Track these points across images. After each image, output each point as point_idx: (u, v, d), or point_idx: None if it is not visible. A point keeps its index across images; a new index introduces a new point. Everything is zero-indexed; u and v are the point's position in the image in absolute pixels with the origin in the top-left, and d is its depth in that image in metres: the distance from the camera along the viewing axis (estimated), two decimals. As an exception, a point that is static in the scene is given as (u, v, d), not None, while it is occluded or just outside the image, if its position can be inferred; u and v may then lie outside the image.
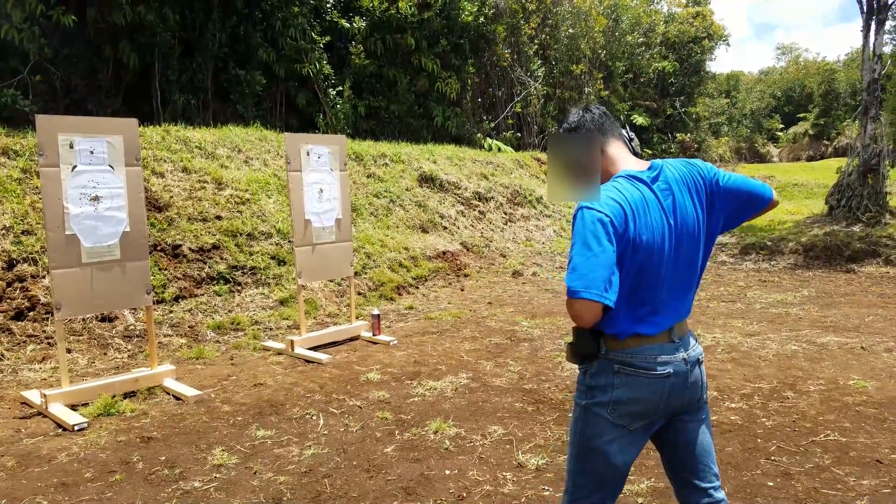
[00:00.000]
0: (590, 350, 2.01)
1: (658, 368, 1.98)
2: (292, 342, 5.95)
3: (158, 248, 7.13)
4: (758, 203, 2.13)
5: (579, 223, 1.90)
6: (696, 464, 2.13)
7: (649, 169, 2.05)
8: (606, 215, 1.87)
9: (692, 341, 2.10)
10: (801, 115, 45.00)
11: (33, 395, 4.70)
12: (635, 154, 2.16)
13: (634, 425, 2.01)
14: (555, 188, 1.99)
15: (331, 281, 7.99)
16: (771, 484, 3.36)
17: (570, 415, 2.16)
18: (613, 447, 2.00)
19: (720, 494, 2.15)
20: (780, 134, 46.96)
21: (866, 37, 12.01)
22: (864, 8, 12.06)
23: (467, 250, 10.94)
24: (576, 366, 2.11)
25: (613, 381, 1.99)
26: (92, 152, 4.70)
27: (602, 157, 2.08)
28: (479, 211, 12.72)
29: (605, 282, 1.83)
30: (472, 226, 12.09)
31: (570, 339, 2.11)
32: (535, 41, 21.31)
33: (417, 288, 8.91)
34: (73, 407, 4.55)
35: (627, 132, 2.19)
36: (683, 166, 2.09)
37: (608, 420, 2.00)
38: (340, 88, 15.14)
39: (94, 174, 4.71)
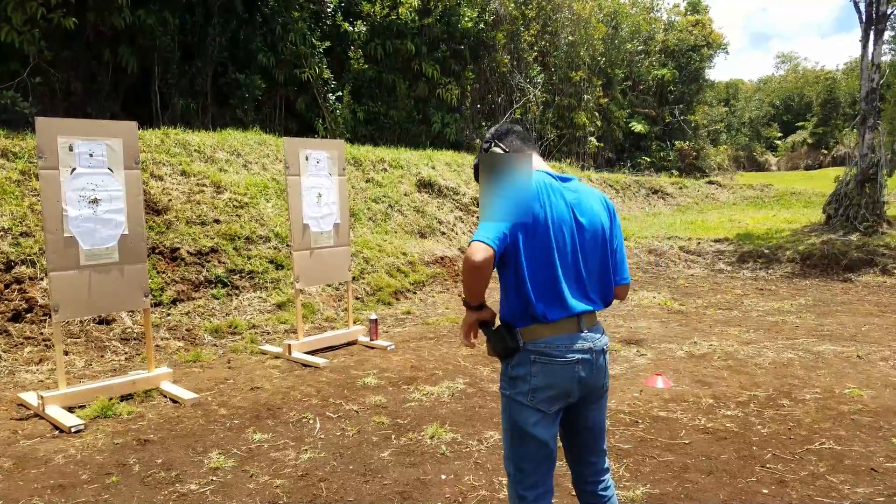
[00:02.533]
0: (510, 345, 2.20)
1: (568, 356, 2.18)
2: (289, 346, 5.95)
3: (157, 251, 7.13)
4: (617, 279, 2.38)
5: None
6: (592, 444, 2.40)
7: (561, 175, 2.33)
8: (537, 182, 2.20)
9: (598, 334, 2.29)
10: (800, 124, 45.15)
11: (30, 397, 4.70)
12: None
13: (552, 409, 2.21)
14: (488, 206, 2.16)
15: (329, 285, 8.00)
16: (766, 491, 3.37)
17: (501, 404, 2.33)
18: (539, 429, 2.20)
19: (606, 464, 2.46)
20: (778, 142, 47.10)
21: (865, 46, 12.06)
22: (863, 18, 12.12)
23: (465, 256, 10.95)
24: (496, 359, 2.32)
25: (531, 370, 2.18)
26: (91, 155, 4.71)
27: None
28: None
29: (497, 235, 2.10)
30: (471, 231, 12.11)
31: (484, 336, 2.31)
32: (535, 48, 21.39)
33: (415, 293, 8.92)
34: (71, 409, 4.55)
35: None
36: (593, 190, 2.38)
37: (528, 406, 2.20)
38: (340, 93, 15.18)
39: (93, 177, 4.72)
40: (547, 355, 2.17)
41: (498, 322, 2.28)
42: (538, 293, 2.16)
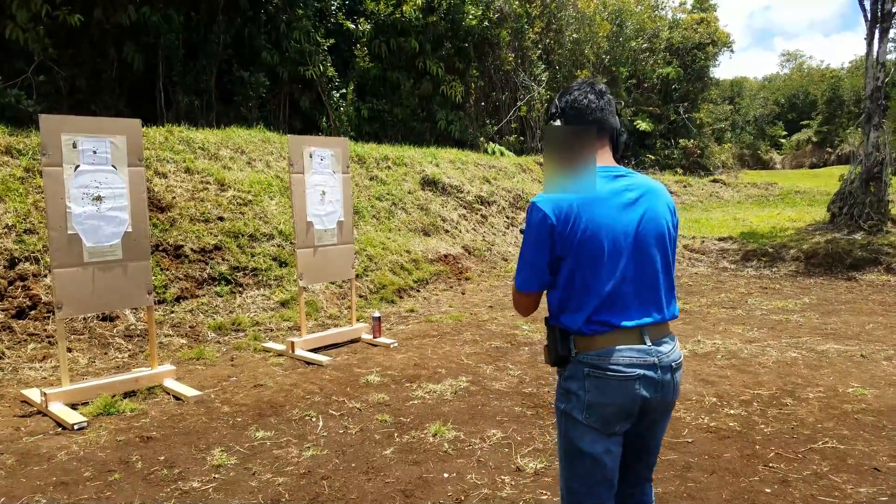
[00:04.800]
0: (561, 352, 2.05)
1: (626, 370, 1.98)
2: (293, 344, 5.96)
3: (160, 248, 7.14)
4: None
5: (527, 220, 2.05)
6: (647, 459, 2.24)
7: (616, 168, 2.11)
8: (547, 217, 1.97)
9: (668, 347, 2.07)
10: (805, 122, 44.97)
11: (33, 394, 4.71)
12: (617, 150, 2.19)
13: (609, 430, 2.02)
14: (551, 179, 2.04)
15: (332, 283, 8.00)
16: (769, 491, 3.36)
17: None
18: (596, 448, 2.02)
19: (650, 474, 2.32)
20: (783, 141, 46.95)
21: (870, 45, 12.00)
22: (868, 16, 12.06)
23: (469, 254, 10.95)
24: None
25: (584, 385, 2.01)
26: (95, 152, 4.72)
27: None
28: (481, 215, 12.73)
29: (536, 276, 2.06)
30: (474, 229, 12.10)
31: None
32: (539, 45, 21.35)
33: (418, 291, 8.92)
34: (74, 406, 4.57)
35: (620, 124, 2.20)
36: (656, 185, 2.16)
37: (583, 423, 2.02)
38: (344, 91, 15.18)
39: (96, 174, 4.73)
40: (601, 369, 1.98)
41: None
42: (590, 302, 1.99)
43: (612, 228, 1.98)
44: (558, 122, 2.14)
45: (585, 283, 1.99)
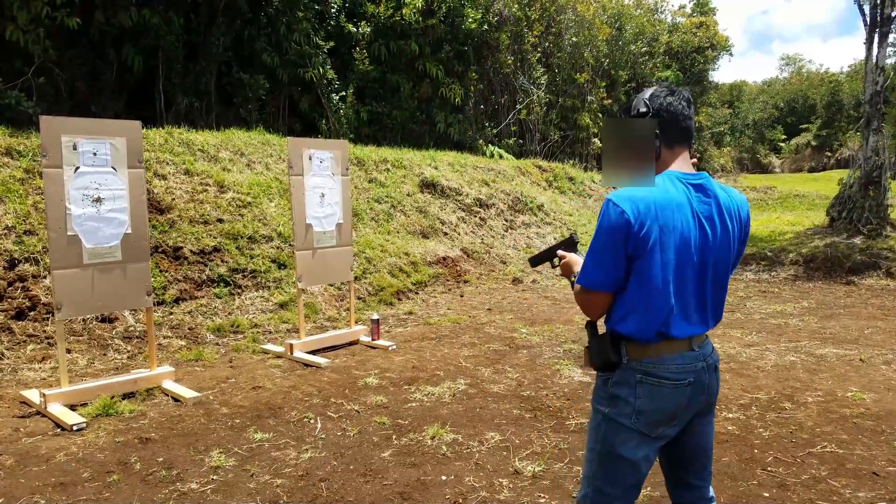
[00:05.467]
0: (611, 358, 2.02)
1: (680, 378, 2.00)
2: (291, 346, 5.96)
3: (159, 249, 7.15)
4: None
5: (601, 216, 1.96)
6: (695, 463, 2.19)
7: (697, 176, 2.06)
8: (623, 213, 1.91)
9: (710, 348, 2.11)
10: (804, 126, 45.07)
11: (32, 395, 4.71)
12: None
13: (656, 432, 2.03)
14: (609, 171, 2.02)
15: (331, 285, 8.00)
16: (767, 495, 3.36)
17: (589, 421, 2.17)
18: (638, 453, 2.02)
19: (711, 493, 2.23)
20: (782, 144, 47.03)
21: (869, 49, 12.03)
22: (868, 20, 12.09)
23: (467, 256, 10.96)
24: (594, 371, 2.14)
25: (636, 391, 2.00)
26: (95, 154, 4.72)
27: (668, 151, 2.08)
28: (479, 217, 12.74)
29: (609, 274, 1.96)
30: (473, 232, 12.11)
31: (587, 342, 2.14)
32: (539, 49, 21.37)
33: (417, 293, 8.92)
34: (72, 407, 4.56)
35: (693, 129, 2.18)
36: (734, 195, 2.12)
37: (631, 428, 2.01)
38: (343, 93, 15.19)
39: (96, 176, 4.74)
40: (655, 376, 1.99)
41: (603, 328, 2.10)
42: (651, 308, 1.97)
43: (683, 238, 1.96)
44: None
45: (649, 291, 1.96)
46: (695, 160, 2.22)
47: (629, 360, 2.01)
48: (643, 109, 2.08)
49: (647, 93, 2.12)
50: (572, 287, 2.15)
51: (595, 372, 2.14)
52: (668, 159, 2.08)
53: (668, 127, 2.06)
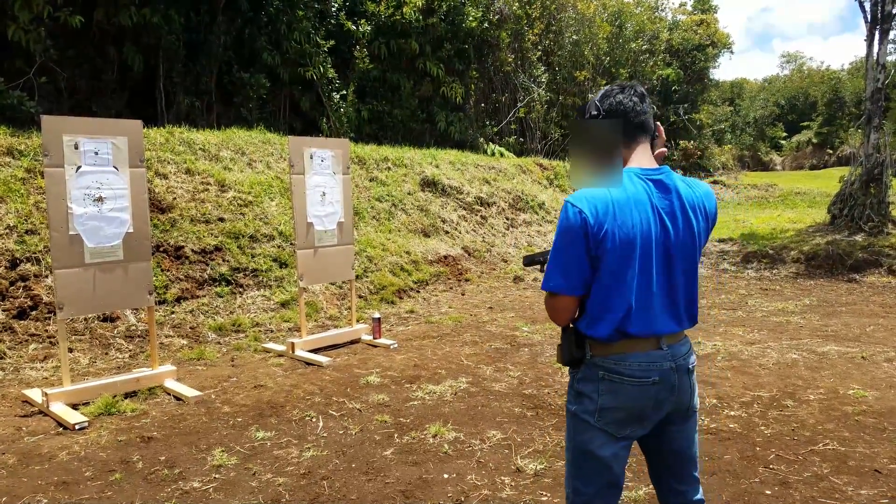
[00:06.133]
0: (575, 354, 2.03)
1: (643, 376, 1.97)
2: (293, 344, 5.96)
3: (161, 249, 7.15)
4: None
5: (560, 219, 1.95)
6: (677, 469, 2.17)
7: (657, 171, 2.04)
8: (580, 212, 1.90)
9: (685, 350, 2.08)
10: (805, 124, 45.00)
11: (35, 394, 4.71)
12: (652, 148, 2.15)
13: (621, 433, 2.01)
14: (577, 173, 2.02)
15: (332, 284, 8.00)
16: (769, 492, 3.36)
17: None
18: (605, 451, 2.01)
19: (698, 496, 2.20)
20: (783, 142, 46.98)
21: (870, 46, 12.02)
22: (869, 17, 12.08)
23: (469, 255, 10.96)
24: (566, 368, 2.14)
25: (599, 388, 1.99)
26: (96, 153, 4.72)
27: (627, 150, 2.07)
28: (480, 216, 12.74)
29: (571, 276, 1.94)
30: (474, 230, 12.11)
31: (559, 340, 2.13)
32: (539, 47, 21.36)
33: (418, 292, 8.92)
34: (75, 406, 4.57)
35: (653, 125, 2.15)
36: (697, 187, 2.09)
37: (594, 426, 2.01)
38: (344, 92, 15.18)
39: (98, 175, 4.74)
40: (617, 373, 1.97)
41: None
42: (611, 307, 1.95)
43: (644, 235, 1.94)
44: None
45: (610, 290, 1.94)
46: (663, 150, 2.20)
47: (592, 357, 2.00)
48: (594, 112, 2.08)
49: (599, 94, 2.12)
50: None
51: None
52: (626, 156, 2.06)
53: (622, 125, 2.05)
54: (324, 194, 6.28)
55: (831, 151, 41.51)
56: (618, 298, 1.94)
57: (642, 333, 1.97)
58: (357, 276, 7.91)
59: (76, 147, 4.61)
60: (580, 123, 2.09)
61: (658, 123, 2.19)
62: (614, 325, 1.96)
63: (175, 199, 7.97)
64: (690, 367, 2.08)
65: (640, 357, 1.98)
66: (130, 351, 5.98)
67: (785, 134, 47.26)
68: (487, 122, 19.25)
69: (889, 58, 12.84)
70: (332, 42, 14.82)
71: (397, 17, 15.62)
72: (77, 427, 4.23)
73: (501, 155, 17.65)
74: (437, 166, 13.43)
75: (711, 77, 33.84)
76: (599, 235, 1.89)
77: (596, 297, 1.97)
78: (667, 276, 2.00)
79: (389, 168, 12.35)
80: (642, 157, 2.07)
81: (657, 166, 2.08)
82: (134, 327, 6.30)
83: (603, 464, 2.02)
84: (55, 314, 4.93)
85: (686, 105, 30.41)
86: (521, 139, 20.56)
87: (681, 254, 2.00)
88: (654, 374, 1.98)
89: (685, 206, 2.00)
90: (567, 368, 2.10)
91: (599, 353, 2.00)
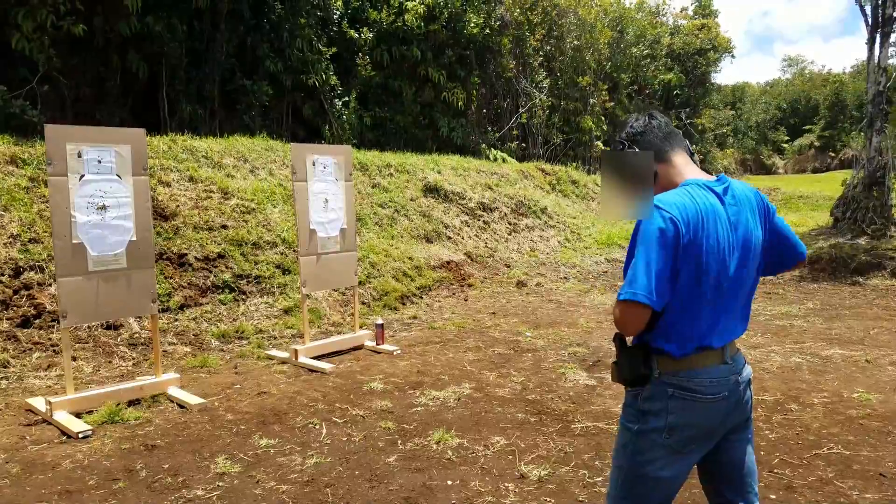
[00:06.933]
0: (641, 372, 1.94)
1: (714, 392, 1.93)
2: (296, 351, 5.96)
3: (164, 256, 7.17)
4: (795, 257, 2.18)
5: (648, 223, 1.86)
6: (739, 482, 2.10)
7: (718, 181, 2.01)
8: (672, 219, 1.84)
9: (742, 361, 2.06)
10: (807, 127, 45.01)
11: (38, 403, 4.72)
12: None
13: (688, 448, 1.96)
14: (608, 206, 1.93)
15: (335, 290, 8.01)
16: (773, 497, 3.35)
17: (617, 438, 2.11)
18: (666, 472, 1.96)
19: (742, 499, 2.11)
20: (785, 146, 46.97)
21: (871, 49, 12.03)
22: (870, 20, 12.09)
23: (471, 260, 10.96)
24: (623, 387, 2.05)
25: (668, 406, 1.92)
26: (100, 161, 4.74)
27: (667, 165, 2.05)
28: (483, 221, 12.75)
29: (653, 286, 1.80)
30: (477, 236, 12.11)
31: (615, 358, 2.04)
32: (541, 53, 21.42)
33: (421, 298, 8.92)
34: (78, 414, 4.57)
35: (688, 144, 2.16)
36: (747, 188, 2.08)
37: (662, 445, 1.94)
38: (346, 99, 15.23)
39: (101, 183, 4.75)
40: (689, 391, 1.91)
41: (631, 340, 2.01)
42: (689, 325, 1.90)
43: (720, 246, 1.90)
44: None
45: (689, 304, 1.88)
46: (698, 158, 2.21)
47: (661, 374, 1.93)
48: (620, 148, 2.09)
49: (622, 132, 2.12)
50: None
51: (624, 388, 2.05)
52: (676, 170, 2.04)
53: (652, 146, 2.04)
54: (326, 201, 6.29)
55: (834, 154, 41.47)
56: (692, 313, 1.90)
57: (711, 345, 1.93)
58: (360, 283, 7.91)
59: (79, 155, 4.63)
60: (611, 154, 2.05)
61: None
62: (695, 339, 1.91)
63: (178, 206, 7.99)
64: (750, 378, 2.07)
65: (711, 372, 1.93)
66: (134, 359, 5.99)
67: (787, 137, 47.25)
68: (489, 128, 19.29)
69: (890, 61, 12.84)
70: (334, 49, 14.88)
71: (399, 24, 15.69)
72: (81, 435, 4.23)
73: (503, 160, 17.67)
74: (439, 172, 13.45)
75: (713, 81, 33.87)
76: (687, 245, 1.84)
77: (676, 309, 1.89)
78: (736, 288, 1.97)
79: (392, 174, 12.37)
80: (692, 169, 2.06)
81: (713, 177, 2.06)
82: (137, 335, 6.31)
83: (660, 484, 1.97)
84: (59, 322, 4.94)
85: (688, 109, 30.43)
86: (523, 144, 20.59)
87: (748, 266, 1.98)
88: (724, 390, 1.94)
89: (752, 211, 2.01)
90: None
91: (669, 368, 1.93)
